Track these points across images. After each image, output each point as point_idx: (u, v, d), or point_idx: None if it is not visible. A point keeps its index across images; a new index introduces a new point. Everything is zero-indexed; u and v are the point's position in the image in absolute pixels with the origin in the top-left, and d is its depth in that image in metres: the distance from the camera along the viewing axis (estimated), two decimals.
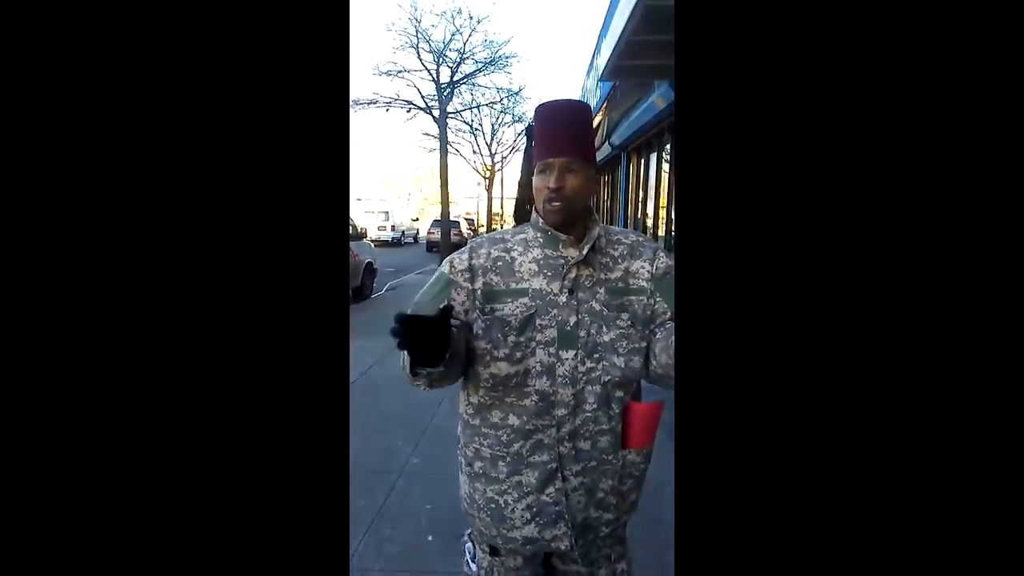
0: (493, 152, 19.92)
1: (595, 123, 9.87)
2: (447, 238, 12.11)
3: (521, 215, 1.11)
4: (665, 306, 1.03)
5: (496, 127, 20.04)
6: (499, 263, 1.00)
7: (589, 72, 7.49)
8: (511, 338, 0.97)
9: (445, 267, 1.03)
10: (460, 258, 1.02)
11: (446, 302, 0.98)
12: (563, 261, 0.99)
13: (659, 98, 5.53)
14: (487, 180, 20.70)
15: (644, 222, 7.98)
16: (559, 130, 0.97)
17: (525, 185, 1.13)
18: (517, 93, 15.76)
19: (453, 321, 1.00)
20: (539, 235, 1.01)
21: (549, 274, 0.98)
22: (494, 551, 1.07)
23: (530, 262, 1.00)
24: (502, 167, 20.45)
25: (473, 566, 1.13)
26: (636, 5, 2.99)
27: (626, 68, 4.11)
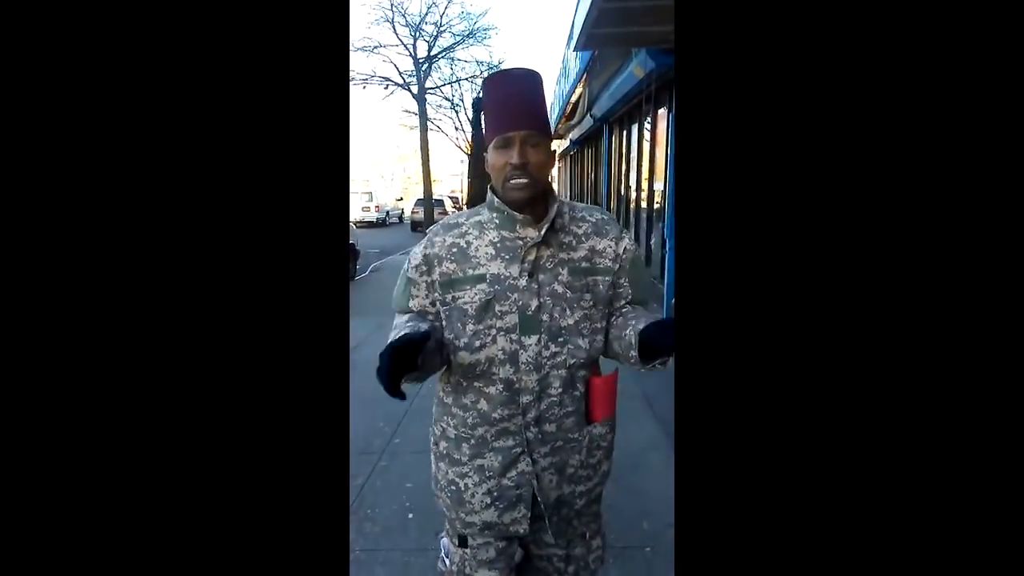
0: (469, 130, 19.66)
1: (576, 95, 9.74)
2: (431, 217, 12.01)
3: (476, 197, 1.05)
4: (630, 291, 1.02)
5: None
6: (454, 250, 0.96)
7: (569, 42, 7.35)
8: (469, 327, 0.94)
9: (406, 263, 1.01)
10: (415, 252, 1.00)
11: (412, 300, 1.00)
12: (521, 242, 0.94)
13: (638, 67, 5.44)
14: (470, 158, 20.46)
15: (628, 195, 7.95)
16: (516, 101, 0.91)
17: (481, 171, 1.06)
18: (497, 66, 15.48)
19: (427, 318, 1.00)
20: (495, 216, 0.96)
21: (507, 257, 0.94)
22: (462, 541, 1.05)
23: (487, 245, 0.95)
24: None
25: (447, 561, 1.10)
26: None
27: (601, 37, 4.02)
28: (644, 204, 6.74)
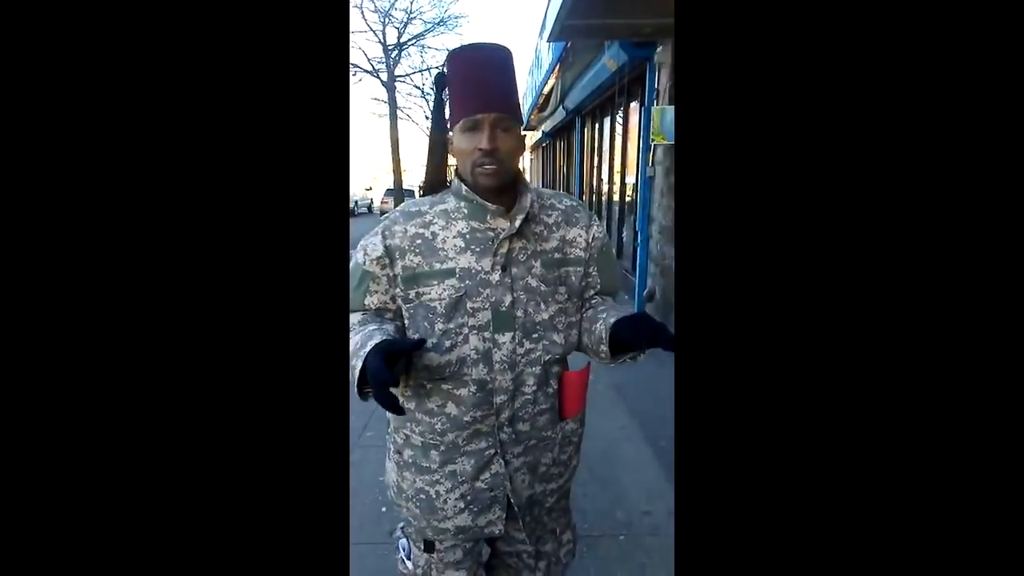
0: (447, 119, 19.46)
1: (549, 86, 9.72)
2: None
3: (435, 182, 1.00)
4: (599, 280, 0.98)
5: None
6: (419, 241, 0.88)
7: (541, 32, 7.32)
8: (438, 325, 0.87)
9: (359, 254, 0.90)
10: (373, 243, 0.89)
11: (370, 296, 0.91)
12: (492, 234, 0.88)
13: (610, 60, 5.46)
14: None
15: (600, 187, 8.00)
16: (487, 81, 0.84)
17: (439, 145, 0.99)
18: None
19: (385, 315, 0.93)
20: (463, 205, 0.89)
21: (478, 250, 0.87)
22: (429, 546, 1.00)
23: (455, 237, 0.88)
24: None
25: (409, 564, 1.05)
26: None
27: (575, 28, 4.02)
28: (616, 197, 6.79)
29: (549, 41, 4.72)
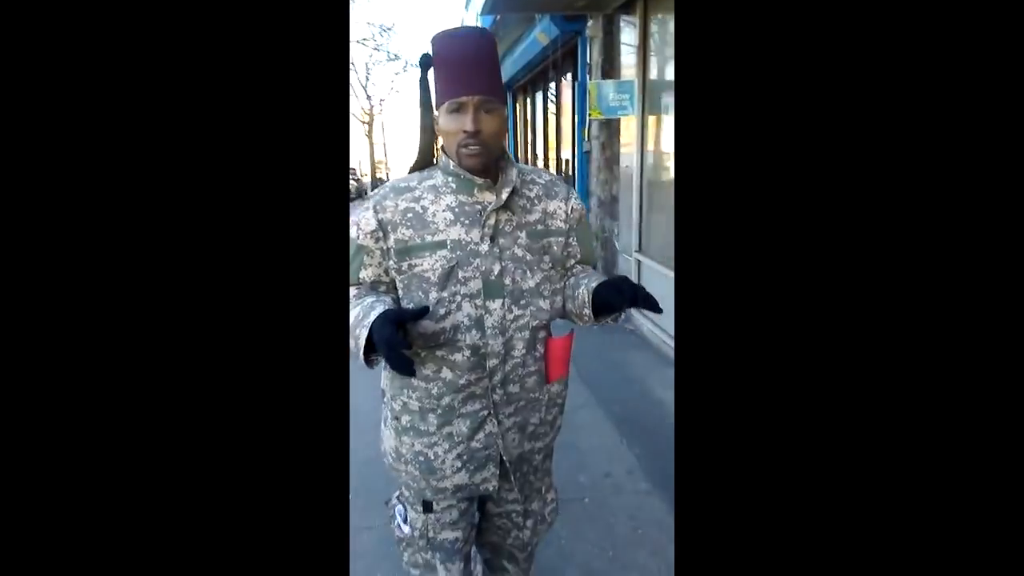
0: (370, 95, 18.75)
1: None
2: None
3: (425, 159, 1.04)
4: (579, 250, 1.05)
5: (369, 66, 18.85)
6: (409, 215, 0.92)
7: (467, 5, 7.15)
8: (432, 294, 0.92)
9: (352, 230, 0.94)
10: (365, 217, 0.93)
11: (364, 270, 0.95)
12: (480, 207, 0.93)
13: (542, 33, 5.44)
14: (367, 125, 19.52)
15: (534, 163, 8.03)
16: (470, 64, 0.87)
17: (428, 129, 1.02)
18: (389, 29, 14.74)
19: (379, 289, 0.97)
20: (451, 180, 0.93)
21: (467, 222, 0.92)
22: (427, 507, 1.06)
23: (444, 210, 0.92)
24: (381, 110, 19.38)
25: (406, 528, 1.10)
26: None
27: (505, 1, 3.97)
28: (552, 171, 6.85)
29: (482, 14, 4.64)
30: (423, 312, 0.83)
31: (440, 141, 0.96)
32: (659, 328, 3.57)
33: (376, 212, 0.93)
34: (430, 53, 0.93)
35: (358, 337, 0.82)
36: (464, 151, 0.88)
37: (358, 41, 14.62)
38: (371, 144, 19.79)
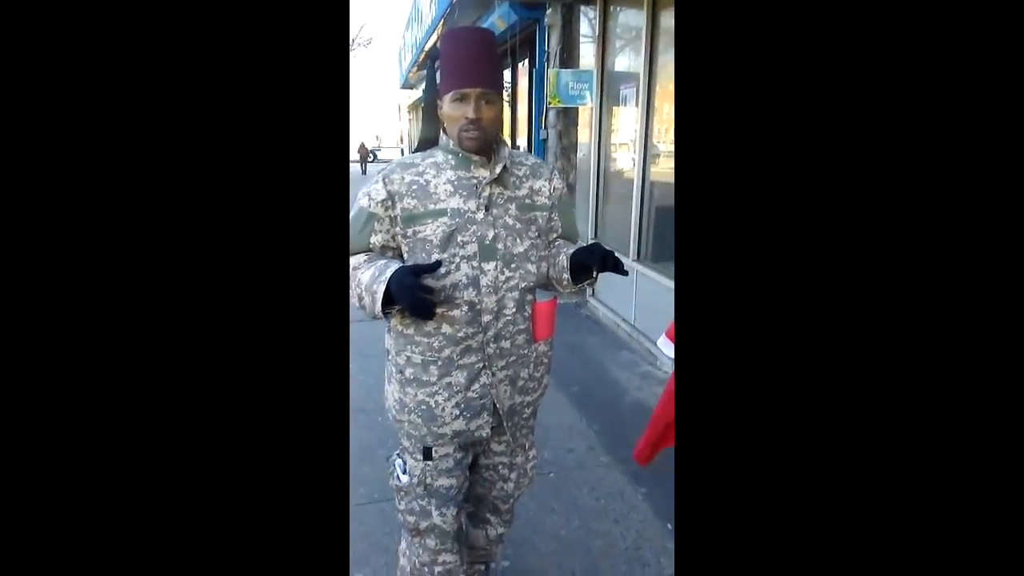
0: None
1: (431, 43, 9.38)
2: None
3: (429, 139, 1.17)
4: (560, 225, 1.19)
5: None
6: (414, 187, 1.05)
7: None
8: (435, 255, 1.03)
9: (363, 200, 1.06)
10: (376, 188, 1.06)
11: (375, 235, 1.05)
12: (476, 181, 1.06)
13: (499, 19, 5.42)
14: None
15: None
16: (474, 59, 1.01)
17: (432, 108, 1.14)
18: None
19: (387, 254, 1.07)
20: (450, 157, 1.07)
21: (464, 194, 1.05)
22: (427, 454, 1.16)
23: (445, 183, 1.05)
24: None
25: (404, 477, 1.20)
26: None
27: None
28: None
29: None
30: (436, 266, 0.95)
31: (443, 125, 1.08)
32: (613, 312, 3.70)
33: (385, 184, 1.05)
34: (437, 48, 1.04)
35: (375, 292, 0.95)
36: (465, 135, 1.02)
37: None
38: None
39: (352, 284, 1.03)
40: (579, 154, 4.42)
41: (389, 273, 0.94)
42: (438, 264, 0.96)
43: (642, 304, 3.38)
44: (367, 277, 0.99)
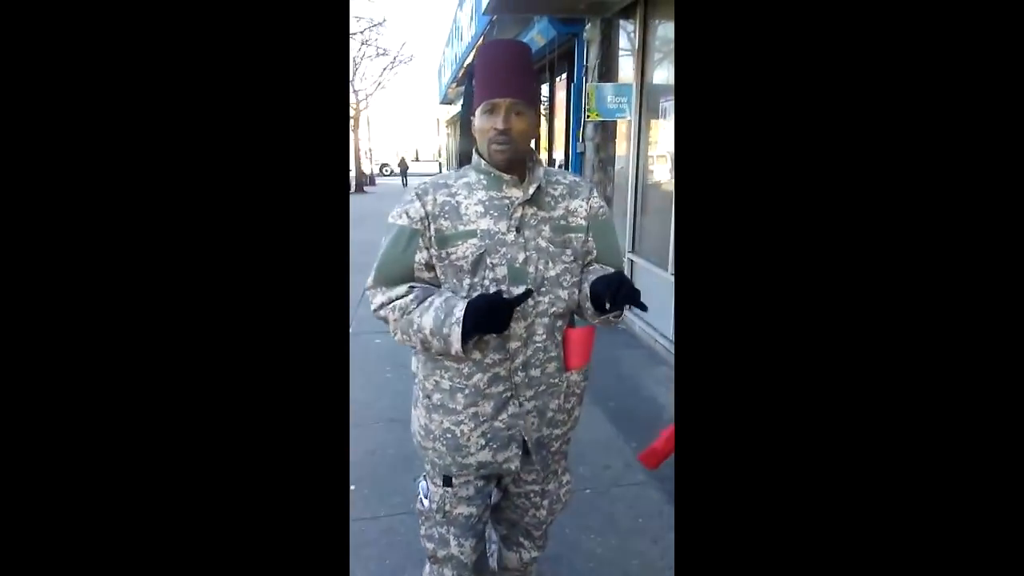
0: (356, 89, 18.55)
1: (471, 58, 9.55)
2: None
3: (465, 155, 1.13)
4: (595, 248, 1.11)
5: (358, 60, 18.65)
6: (446, 208, 1.01)
7: (461, 3, 7.15)
8: (466, 281, 1.00)
9: (402, 220, 1.02)
10: (414, 207, 1.02)
11: (420, 252, 1.02)
12: (508, 201, 1.02)
13: (539, 34, 5.49)
14: (352, 120, 19.33)
15: None
16: (504, 69, 0.98)
17: (468, 125, 1.10)
18: (380, 24, 14.65)
19: (430, 274, 1.04)
20: (482, 177, 1.03)
21: (495, 215, 1.01)
22: (447, 481, 1.13)
23: (476, 204, 1.02)
24: (367, 105, 19.22)
25: (426, 502, 1.17)
26: None
27: (508, 2, 4.01)
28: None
29: (485, 14, 4.66)
30: (527, 295, 0.95)
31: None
32: (650, 327, 3.64)
33: (422, 203, 1.02)
34: (473, 64, 1.04)
35: (447, 335, 0.95)
36: (494, 147, 0.98)
37: (354, 33, 14.48)
38: (356, 139, 19.63)
39: (395, 317, 1.00)
40: (617, 167, 4.40)
41: (459, 313, 0.94)
42: (528, 292, 0.96)
43: None
44: (429, 320, 0.96)
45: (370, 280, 1.04)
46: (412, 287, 1.03)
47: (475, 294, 0.99)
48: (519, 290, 1.00)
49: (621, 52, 4.17)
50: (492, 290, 1.00)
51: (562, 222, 1.06)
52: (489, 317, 0.92)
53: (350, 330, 3.62)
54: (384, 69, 17.27)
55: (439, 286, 1.04)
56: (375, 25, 14.73)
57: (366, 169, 19.21)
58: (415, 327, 0.99)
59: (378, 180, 19.07)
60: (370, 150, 20.51)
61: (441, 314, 0.96)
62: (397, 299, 1.02)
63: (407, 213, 1.02)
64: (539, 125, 1.09)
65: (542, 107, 6.80)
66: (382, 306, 1.03)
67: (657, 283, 3.55)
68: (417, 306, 1.00)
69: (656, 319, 3.57)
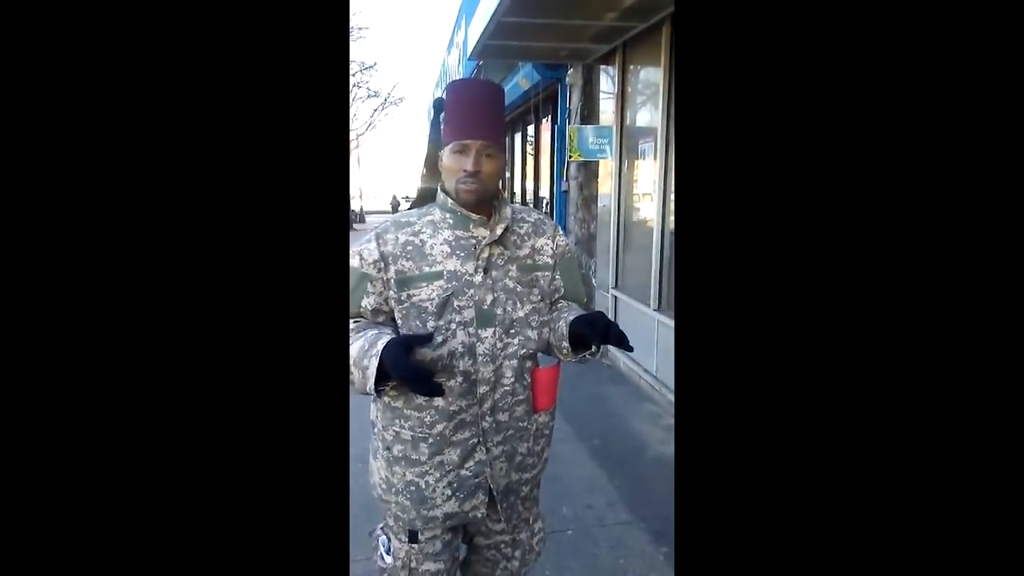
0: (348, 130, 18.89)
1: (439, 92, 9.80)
2: None
3: (427, 191, 1.10)
4: (563, 285, 1.11)
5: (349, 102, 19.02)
6: (409, 247, 0.98)
7: (450, 48, 7.41)
8: (430, 323, 0.96)
9: (355, 260, 0.98)
10: (368, 248, 0.98)
11: (366, 298, 0.98)
12: (475, 241, 0.99)
13: (523, 79, 5.68)
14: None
15: (512, 200, 8.19)
16: (477, 110, 0.97)
17: (433, 159, 1.09)
18: (371, 67, 15.08)
19: (378, 319, 1.00)
20: (448, 216, 1.00)
21: (462, 255, 0.98)
22: (413, 537, 1.07)
23: (441, 244, 0.98)
24: (358, 145, 19.53)
25: (388, 559, 1.10)
26: None
27: (495, 48, 4.16)
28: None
29: (471, 59, 4.83)
30: (428, 338, 0.89)
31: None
32: (635, 363, 3.65)
33: (379, 244, 0.98)
34: (443, 98, 1.02)
35: (366, 368, 0.86)
36: (462, 187, 0.96)
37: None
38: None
39: None
40: (600, 205, 4.50)
41: (381, 346, 0.85)
42: (429, 336, 0.90)
43: (664, 355, 3.33)
44: (356, 350, 0.89)
45: None
46: (357, 321, 0.99)
47: (439, 338, 0.96)
48: (486, 333, 0.98)
49: (602, 95, 4.33)
50: (459, 335, 0.97)
51: (528, 261, 1.04)
52: (406, 370, 0.82)
53: None
54: (375, 111, 17.64)
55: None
56: (367, 68, 15.15)
57: (356, 206, 19.35)
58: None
59: (368, 218, 19.17)
60: (360, 189, 20.73)
61: (365, 344, 0.88)
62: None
63: (360, 255, 0.98)
64: (506, 166, 1.06)
65: (529, 147, 6.97)
66: None
67: (639, 318, 3.58)
68: (353, 336, 0.93)
69: (640, 355, 3.58)
